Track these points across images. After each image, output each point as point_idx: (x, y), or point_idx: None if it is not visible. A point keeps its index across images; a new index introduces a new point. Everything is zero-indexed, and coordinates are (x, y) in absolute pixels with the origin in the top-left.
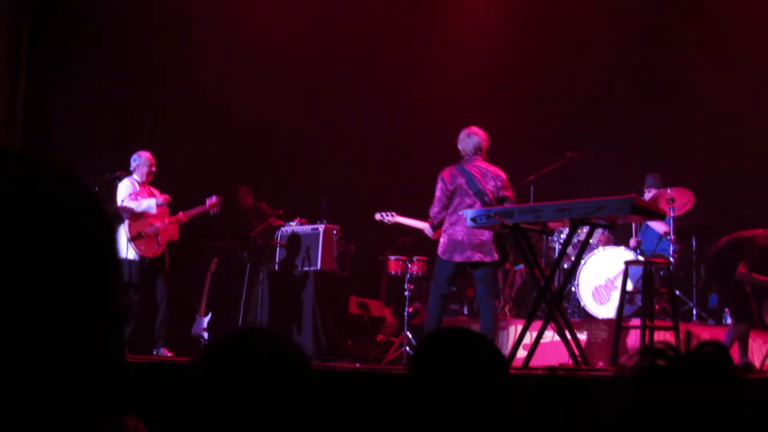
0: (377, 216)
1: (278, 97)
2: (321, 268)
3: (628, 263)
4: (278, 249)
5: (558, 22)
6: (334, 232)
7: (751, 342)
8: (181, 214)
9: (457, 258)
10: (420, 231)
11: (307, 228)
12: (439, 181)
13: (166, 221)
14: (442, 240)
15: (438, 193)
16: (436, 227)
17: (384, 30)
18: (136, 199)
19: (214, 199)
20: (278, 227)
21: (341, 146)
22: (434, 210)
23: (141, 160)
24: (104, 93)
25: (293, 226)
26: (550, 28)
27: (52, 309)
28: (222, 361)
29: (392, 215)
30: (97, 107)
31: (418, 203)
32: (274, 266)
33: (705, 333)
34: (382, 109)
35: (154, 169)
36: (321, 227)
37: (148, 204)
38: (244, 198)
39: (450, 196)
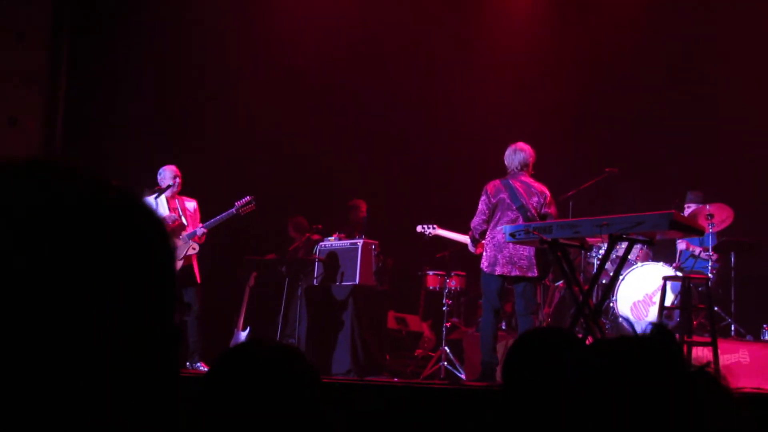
0: (419, 228)
1: (319, 113)
2: (359, 282)
3: (666, 278)
4: (317, 264)
5: (598, 38)
6: (373, 246)
7: None
8: (200, 225)
9: (498, 271)
10: (458, 246)
11: (345, 243)
12: (483, 193)
13: (184, 235)
14: (485, 254)
15: (481, 206)
16: (477, 240)
17: (423, 46)
18: None
19: (246, 199)
20: (317, 242)
21: (380, 161)
22: (475, 221)
23: (165, 174)
24: (143, 114)
25: (332, 241)
26: (590, 44)
27: (118, 325)
28: (224, 374)
29: (433, 228)
30: (136, 128)
31: (457, 218)
32: (313, 281)
33: (743, 349)
34: (422, 125)
35: (179, 180)
36: (360, 242)
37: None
38: (297, 227)
39: (492, 210)
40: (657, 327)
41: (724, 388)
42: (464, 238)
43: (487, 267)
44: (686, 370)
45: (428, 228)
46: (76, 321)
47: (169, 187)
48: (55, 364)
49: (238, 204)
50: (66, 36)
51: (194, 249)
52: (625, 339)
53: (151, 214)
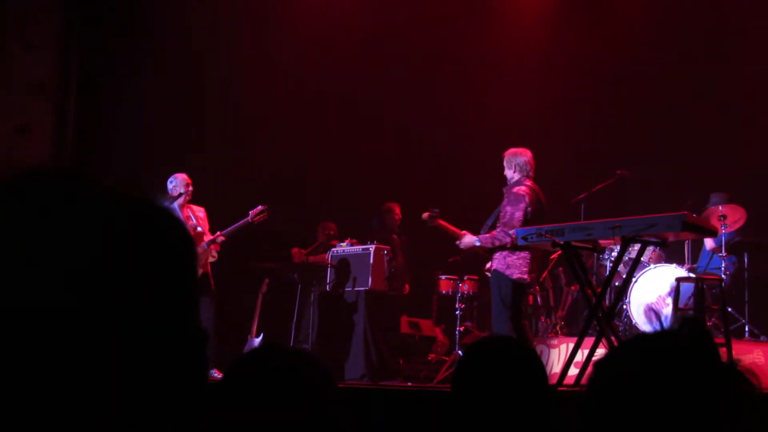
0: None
1: (332, 119)
2: (372, 288)
3: (679, 280)
4: (329, 269)
5: (611, 40)
6: (385, 252)
7: None
8: (218, 233)
9: (528, 279)
10: (471, 250)
11: (357, 248)
12: (522, 200)
13: (203, 243)
14: (517, 262)
15: (520, 213)
16: (518, 248)
17: (435, 48)
18: None
19: (259, 207)
20: (330, 247)
21: (390, 168)
22: (521, 229)
23: (176, 182)
24: (153, 123)
25: (344, 247)
26: (603, 47)
27: (147, 329)
28: (239, 380)
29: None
30: (146, 137)
31: (468, 222)
32: (325, 287)
33: (757, 349)
34: (432, 133)
35: (191, 188)
36: (371, 247)
37: None
38: (324, 232)
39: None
40: (691, 322)
41: (754, 384)
42: (471, 239)
43: (519, 275)
44: (722, 365)
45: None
46: (106, 325)
47: (180, 195)
48: (84, 369)
49: (252, 213)
50: (76, 45)
51: (213, 257)
52: (662, 335)
53: (173, 218)
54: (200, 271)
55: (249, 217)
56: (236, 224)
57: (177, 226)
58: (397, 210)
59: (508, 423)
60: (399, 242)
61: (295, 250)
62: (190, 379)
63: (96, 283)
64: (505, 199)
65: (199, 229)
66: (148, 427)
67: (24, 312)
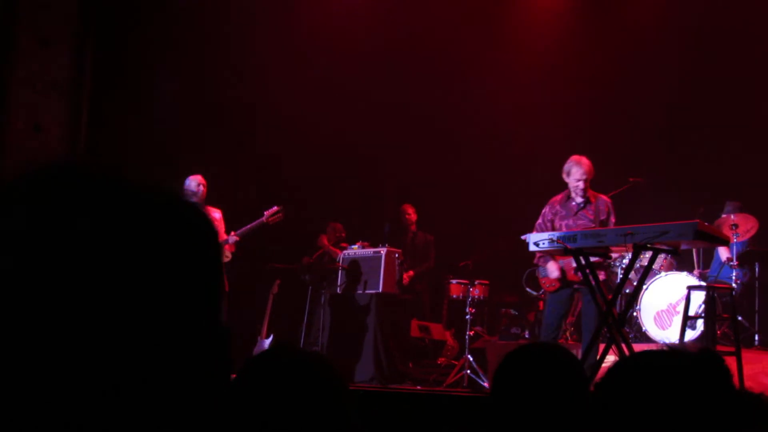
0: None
1: (349, 120)
2: (382, 291)
3: (690, 288)
4: (340, 272)
5: (621, 46)
6: (396, 255)
7: None
8: (232, 233)
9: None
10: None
11: (368, 251)
12: (613, 209)
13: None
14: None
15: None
16: None
17: (450, 50)
18: None
19: (274, 208)
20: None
21: (402, 170)
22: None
23: (190, 183)
24: (168, 121)
25: (355, 250)
26: (613, 53)
27: (172, 323)
28: (250, 381)
29: None
30: (161, 135)
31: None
32: (336, 289)
33: (767, 359)
34: (444, 137)
35: (202, 188)
36: (383, 251)
37: None
38: (334, 233)
39: None
40: (706, 351)
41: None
42: None
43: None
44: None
45: None
46: (131, 318)
47: (193, 195)
48: (103, 365)
49: (267, 213)
50: (90, 42)
51: (227, 257)
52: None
53: (199, 211)
54: None
55: (264, 218)
56: (251, 224)
57: (203, 218)
58: (409, 210)
59: (547, 428)
60: (412, 242)
61: (324, 238)
62: (213, 377)
63: (120, 276)
64: (605, 207)
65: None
66: (168, 425)
67: (40, 306)
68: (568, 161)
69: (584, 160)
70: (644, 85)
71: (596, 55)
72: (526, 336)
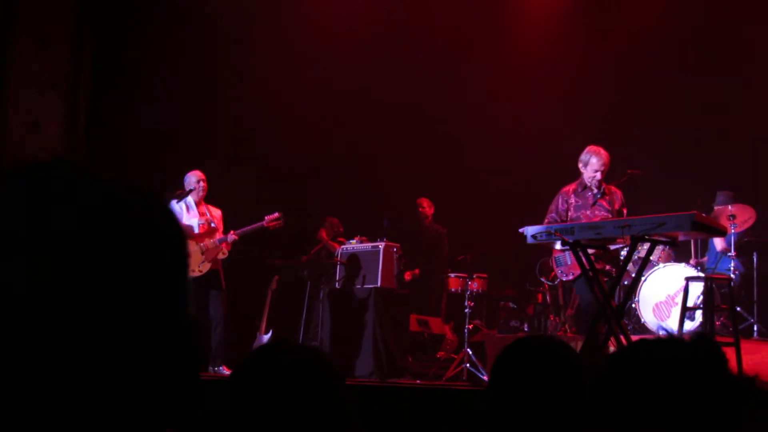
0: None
1: (347, 116)
2: (381, 285)
3: (688, 279)
4: (338, 267)
5: (619, 40)
6: (394, 250)
7: None
8: (231, 232)
9: None
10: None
11: (367, 246)
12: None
13: (215, 239)
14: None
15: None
16: None
17: (448, 49)
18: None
19: (275, 214)
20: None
21: (402, 166)
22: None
23: (190, 179)
24: (166, 119)
25: (354, 245)
26: (612, 46)
27: (133, 317)
28: (249, 375)
29: None
30: (159, 133)
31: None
32: (335, 284)
33: (766, 349)
34: (442, 132)
35: (203, 184)
36: (381, 245)
37: (188, 224)
38: (332, 228)
39: None
40: (701, 336)
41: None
42: None
43: None
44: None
45: None
46: (93, 313)
47: (191, 190)
48: (72, 358)
49: (267, 218)
50: (89, 42)
51: (224, 254)
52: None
53: (166, 211)
54: (209, 266)
55: (264, 222)
56: (251, 226)
57: (164, 212)
58: (424, 203)
59: (544, 420)
60: (428, 236)
61: (323, 232)
62: (178, 367)
63: (78, 266)
64: (618, 198)
65: (213, 224)
66: (135, 416)
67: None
68: (586, 151)
69: (602, 151)
70: (643, 80)
71: (595, 51)
72: (525, 329)
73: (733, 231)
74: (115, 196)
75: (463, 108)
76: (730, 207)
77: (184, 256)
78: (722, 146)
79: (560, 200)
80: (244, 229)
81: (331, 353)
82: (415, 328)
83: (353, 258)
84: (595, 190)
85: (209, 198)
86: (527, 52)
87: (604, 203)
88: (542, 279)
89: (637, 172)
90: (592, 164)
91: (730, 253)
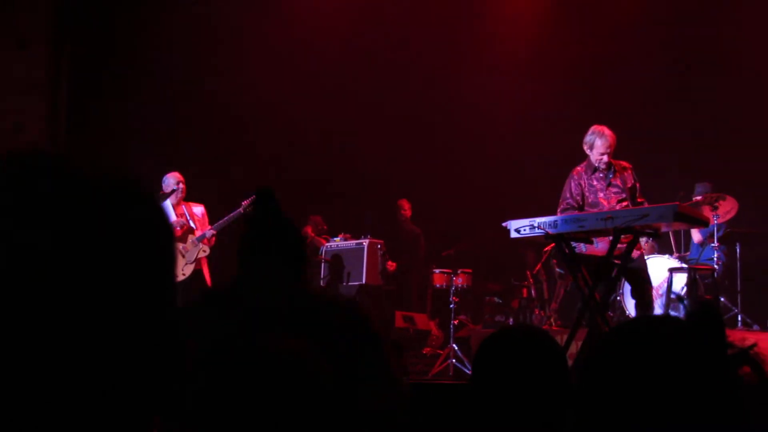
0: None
1: (325, 114)
2: (366, 282)
3: (672, 270)
4: (323, 265)
5: (601, 33)
6: (378, 246)
7: None
8: (208, 227)
9: None
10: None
11: (351, 243)
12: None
13: (194, 238)
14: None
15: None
16: None
17: (432, 46)
18: None
19: (252, 197)
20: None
21: (384, 162)
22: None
23: (169, 181)
24: (147, 120)
25: (338, 242)
26: (593, 39)
27: (118, 310)
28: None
29: None
30: (140, 134)
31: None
32: (320, 282)
33: (749, 339)
34: (426, 128)
35: (182, 186)
36: (365, 242)
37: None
38: (316, 226)
39: None
40: (703, 305)
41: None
42: None
43: None
44: (728, 350)
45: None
46: (75, 306)
47: (173, 191)
48: (57, 351)
49: (244, 204)
50: (68, 43)
51: (205, 252)
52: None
53: (151, 199)
54: (192, 268)
55: (241, 208)
56: (227, 217)
57: (156, 210)
58: (405, 205)
59: (526, 411)
60: (406, 235)
61: (309, 228)
62: (162, 361)
63: (60, 259)
64: (630, 173)
65: (191, 223)
66: (119, 410)
67: None
68: (590, 132)
69: (607, 131)
70: (624, 74)
71: (577, 47)
72: (511, 323)
73: (715, 222)
74: (98, 185)
75: (448, 104)
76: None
77: (169, 247)
78: (703, 137)
79: (572, 183)
80: (221, 221)
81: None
82: (401, 324)
83: (337, 256)
84: (606, 171)
85: (192, 197)
86: (511, 51)
87: (618, 182)
88: (558, 270)
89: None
90: (597, 147)
91: (713, 244)
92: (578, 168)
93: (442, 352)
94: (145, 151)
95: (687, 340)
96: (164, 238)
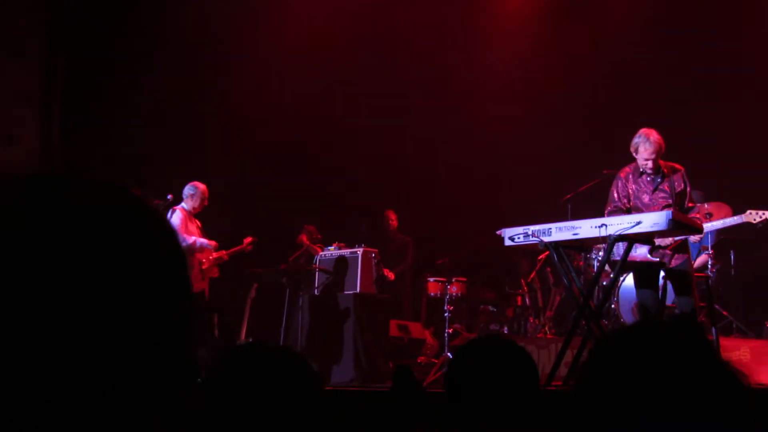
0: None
1: (320, 120)
2: (360, 291)
3: (666, 278)
4: (317, 273)
5: (593, 40)
6: (372, 255)
7: None
8: (223, 252)
9: None
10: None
11: (345, 252)
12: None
13: (212, 258)
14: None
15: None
16: None
17: (426, 52)
18: (187, 232)
19: (249, 238)
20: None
21: (378, 170)
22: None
23: (196, 192)
24: (141, 130)
25: (332, 251)
26: (586, 47)
27: (129, 324)
28: (225, 375)
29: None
30: (133, 145)
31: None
32: (314, 291)
33: (744, 346)
34: (420, 136)
35: (206, 203)
36: (359, 251)
37: (201, 243)
38: (311, 235)
39: None
40: (683, 318)
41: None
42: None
43: None
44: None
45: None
46: (86, 320)
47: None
48: (68, 364)
49: (246, 241)
50: (62, 54)
51: (215, 273)
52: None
53: (160, 219)
54: (202, 285)
55: (243, 245)
56: (235, 248)
57: (156, 217)
58: (392, 216)
59: (499, 418)
60: (395, 244)
61: (304, 237)
62: (173, 376)
63: (69, 274)
64: (680, 177)
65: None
66: (128, 421)
67: None
68: (637, 135)
69: (653, 136)
70: (616, 80)
71: (569, 53)
72: (505, 332)
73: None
74: (106, 201)
75: (443, 113)
76: (706, 205)
77: (182, 265)
78: (697, 145)
79: (619, 184)
80: (232, 249)
81: (311, 359)
82: (395, 333)
83: (332, 264)
84: (654, 175)
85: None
86: (501, 59)
87: (666, 187)
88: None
89: (613, 172)
90: (641, 152)
91: (707, 251)
92: (627, 168)
93: (436, 361)
94: (139, 162)
95: (681, 344)
96: (157, 251)
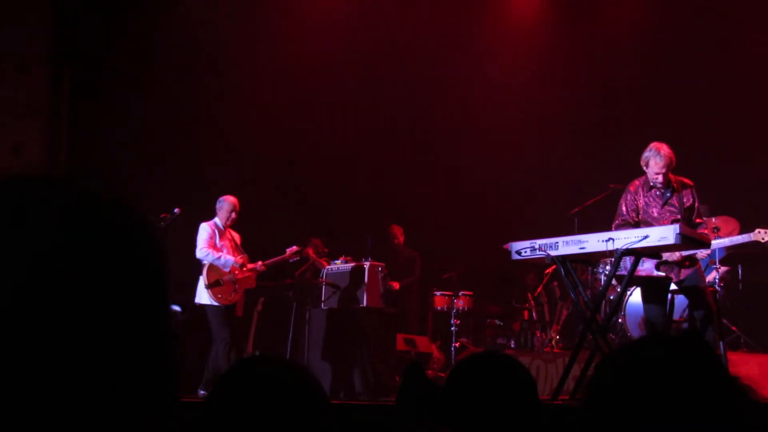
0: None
1: (325, 137)
2: (367, 305)
3: (673, 292)
4: (324, 287)
5: (600, 55)
6: (379, 269)
7: None
8: (260, 263)
9: None
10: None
11: (352, 266)
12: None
13: (246, 269)
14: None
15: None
16: None
17: (429, 58)
18: (214, 246)
19: (294, 248)
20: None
21: (384, 184)
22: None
23: (224, 205)
24: (147, 142)
25: (339, 265)
26: (593, 61)
27: (103, 327)
28: (229, 391)
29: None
30: (140, 156)
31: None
32: (320, 305)
33: (752, 360)
34: (425, 149)
35: (234, 215)
36: (366, 265)
37: (226, 261)
38: (317, 249)
39: None
40: (690, 334)
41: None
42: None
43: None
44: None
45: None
46: (71, 324)
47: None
48: (54, 365)
49: (289, 251)
50: (68, 66)
51: (252, 284)
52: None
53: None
54: (236, 297)
55: (286, 255)
56: (275, 258)
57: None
58: (396, 232)
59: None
60: (402, 258)
61: (310, 250)
62: (157, 381)
63: (51, 281)
64: (689, 192)
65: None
66: (114, 420)
67: None
68: (648, 149)
69: (664, 150)
70: (624, 92)
71: (575, 63)
72: (512, 346)
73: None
74: (95, 208)
75: (449, 126)
76: (713, 219)
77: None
78: (704, 159)
79: (629, 198)
80: (271, 260)
81: (317, 374)
82: (402, 347)
83: (339, 278)
84: (664, 189)
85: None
86: (507, 68)
87: (675, 202)
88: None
89: (619, 186)
90: (652, 167)
91: (715, 265)
92: (636, 182)
93: (443, 375)
94: (145, 174)
95: (689, 359)
96: (151, 262)
